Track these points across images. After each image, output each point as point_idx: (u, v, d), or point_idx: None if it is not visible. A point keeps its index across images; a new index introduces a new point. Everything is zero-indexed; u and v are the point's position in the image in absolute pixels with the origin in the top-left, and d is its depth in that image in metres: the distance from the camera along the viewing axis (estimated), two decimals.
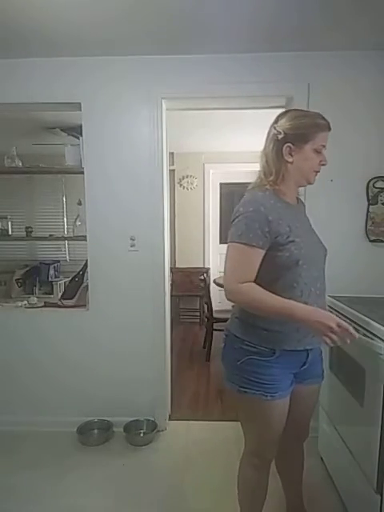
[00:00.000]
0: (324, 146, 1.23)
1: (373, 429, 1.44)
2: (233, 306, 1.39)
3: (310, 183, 1.29)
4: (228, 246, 1.22)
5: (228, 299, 1.22)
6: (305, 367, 1.33)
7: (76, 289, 2.52)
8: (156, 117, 2.24)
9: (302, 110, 1.29)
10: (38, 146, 3.76)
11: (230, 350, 1.35)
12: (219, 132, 3.82)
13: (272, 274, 1.20)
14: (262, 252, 1.18)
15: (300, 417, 1.44)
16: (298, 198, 1.39)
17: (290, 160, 1.22)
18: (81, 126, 2.31)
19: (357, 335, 1.12)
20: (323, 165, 1.25)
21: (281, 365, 1.27)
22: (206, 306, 4.17)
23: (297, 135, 1.20)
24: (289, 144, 1.21)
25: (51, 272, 3.66)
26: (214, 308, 3.82)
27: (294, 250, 1.18)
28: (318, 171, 1.27)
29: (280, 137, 1.22)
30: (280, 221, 1.19)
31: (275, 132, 1.23)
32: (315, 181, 1.31)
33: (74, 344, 2.41)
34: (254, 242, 1.16)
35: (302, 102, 2.14)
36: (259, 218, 1.17)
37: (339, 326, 1.09)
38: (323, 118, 1.23)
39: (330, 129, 1.24)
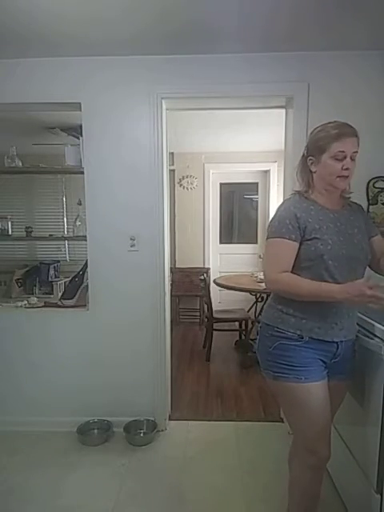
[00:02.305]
0: (344, 152, 1.30)
1: (373, 429, 1.44)
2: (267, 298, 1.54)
3: (337, 188, 1.37)
4: (266, 245, 1.41)
5: (269, 289, 1.42)
6: (336, 360, 1.39)
7: (76, 289, 2.52)
8: (156, 117, 2.24)
9: (323, 124, 1.39)
10: (38, 146, 3.76)
11: (262, 338, 1.44)
12: (219, 132, 3.82)
13: (300, 264, 1.34)
14: (295, 244, 1.33)
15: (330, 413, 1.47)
16: (349, 204, 1.48)
17: (314, 170, 1.40)
18: (81, 126, 2.31)
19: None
20: (346, 169, 1.32)
21: (311, 350, 1.35)
22: (205, 306, 4.18)
23: (315, 148, 1.38)
24: (310, 157, 1.40)
25: (51, 272, 3.64)
26: (214, 308, 3.82)
27: (320, 245, 1.31)
28: (345, 176, 1.33)
29: (305, 152, 1.43)
30: (309, 219, 1.34)
31: (304, 150, 1.45)
32: (348, 185, 1.43)
33: (74, 344, 2.41)
34: (286, 235, 1.33)
35: (302, 103, 2.14)
36: (289, 215, 1.35)
37: (370, 288, 1.17)
38: (339, 127, 1.33)
39: (351, 135, 1.32)
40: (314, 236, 1.32)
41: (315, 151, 1.37)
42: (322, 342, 1.36)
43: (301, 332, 1.36)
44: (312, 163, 1.40)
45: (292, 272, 1.34)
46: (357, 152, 1.34)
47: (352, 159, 1.33)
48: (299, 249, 1.34)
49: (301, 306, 1.35)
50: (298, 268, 1.35)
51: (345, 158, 1.31)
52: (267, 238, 1.40)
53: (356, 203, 1.51)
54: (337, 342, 1.37)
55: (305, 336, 1.35)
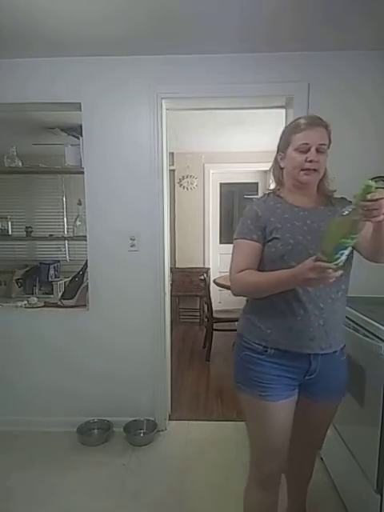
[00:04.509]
0: (307, 144, 1.22)
1: (373, 429, 1.44)
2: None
3: (302, 182, 1.28)
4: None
5: (232, 293, 1.30)
6: (311, 377, 1.27)
7: (76, 289, 2.52)
8: (156, 117, 2.24)
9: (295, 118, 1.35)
10: (38, 146, 3.76)
11: (235, 347, 1.39)
12: (219, 132, 3.82)
13: (264, 266, 1.27)
14: (257, 244, 1.26)
15: (314, 429, 1.42)
16: (331, 201, 1.36)
17: (283, 166, 1.33)
18: (81, 126, 2.31)
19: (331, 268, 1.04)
20: (310, 162, 1.23)
21: (276, 365, 1.25)
22: (205, 306, 4.17)
23: (282, 142, 1.32)
24: (280, 152, 1.34)
25: (51, 272, 3.65)
26: (214, 308, 3.82)
27: (280, 246, 1.23)
28: (310, 169, 1.24)
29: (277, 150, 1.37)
30: (272, 218, 1.27)
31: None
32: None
33: (74, 344, 2.41)
34: (247, 236, 1.27)
35: (302, 102, 2.14)
36: (251, 215, 1.30)
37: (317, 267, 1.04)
38: (306, 119, 1.27)
39: (317, 126, 1.24)
40: (274, 236, 1.24)
41: (283, 145, 1.31)
42: (289, 355, 1.24)
43: (266, 343, 1.26)
44: (281, 159, 1.33)
45: None
46: (325, 144, 1.24)
47: (320, 152, 1.24)
48: (263, 250, 1.27)
49: (266, 315, 1.28)
50: (263, 271, 1.27)
51: (309, 150, 1.23)
52: (233, 240, 1.34)
53: (342, 198, 1.38)
54: (308, 355, 1.25)
55: (269, 349, 1.25)
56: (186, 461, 2.14)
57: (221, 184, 5.16)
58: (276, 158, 1.36)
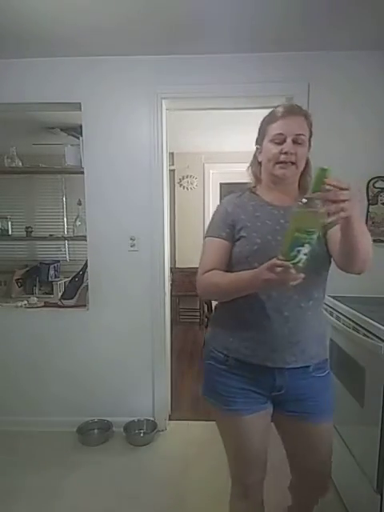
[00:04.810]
0: (282, 134, 1.11)
1: (373, 429, 1.44)
2: None
3: (277, 176, 1.16)
4: None
5: (198, 295, 1.24)
6: (279, 393, 1.15)
7: (76, 289, 2.52)
8: (156, 117, 2.24)
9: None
10: (38, 146, 3.75)
11: (203, 354, 1.31)
12: (219, 132, 3.82)
13: (232, 268, 1.17)
14: (225, 243, 1.18)
15: (304, 461, 1.26)
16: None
17: (260, 160, 1.24)
18: (81, 126, 2.31)
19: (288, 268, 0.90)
20: (285, 154, 1.11)
21: (237, 377, 1.16)
22: (205, 306, 4.17)
23: (259, 134, 1.23)
24: (257, 146, 1.25)
25: (51, 272, 3.65)
26: (214, 308, 3.81)
27: (246, 246, 1.14)
28: (285, 162, 1.12)
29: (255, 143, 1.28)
30: (242, 216, 1.18)
31: None
32: (285, 174, 1.15)
33: (74, 344, 2.41)
34: (215, 234, 1.19)
35: (303, 102, 2.13)
36: (220, 212, 1.23)
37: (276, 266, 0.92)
38: (282, 107, 1.15)
39: (293, 114, 1.13)
40: (241, 235, 1.15)
41: (260, 138, 1.22)
42: (251, 368, 1.14)
43: (227, 352, 1.17)
44: (259, 152, 1.23)
45: None
46: (303, 135, 1.12)
47: (297, 143, 1.12)
48: (232, 250, 1.17)
49: (229, 322, 1.19)
50: (231, 272, 1.16)
51: (285, 140, 1.11)
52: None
53: None
54: (272, 369, 1.13)
55: (230, 358, 1.16)
56: (186, 461, 2.14)
57: (221, 184, 5.15)
58: (255, 153, 1.27)
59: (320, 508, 1.51)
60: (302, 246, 0.87)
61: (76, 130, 3.06)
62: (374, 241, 2.20)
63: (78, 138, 2.49)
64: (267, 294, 1.11)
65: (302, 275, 0.90)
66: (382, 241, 2.21)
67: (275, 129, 1.13)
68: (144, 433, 2.38)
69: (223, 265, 1.16)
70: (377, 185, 2.19)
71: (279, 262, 0.89)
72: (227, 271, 1.16)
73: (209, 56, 2.16)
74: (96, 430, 2.40)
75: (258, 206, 1.20)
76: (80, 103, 2.25)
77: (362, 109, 2.15)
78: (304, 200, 0.88)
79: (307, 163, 1.21)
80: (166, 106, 2.30)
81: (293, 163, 1.13)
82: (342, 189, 0.87)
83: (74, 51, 2.15)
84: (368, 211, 2.20)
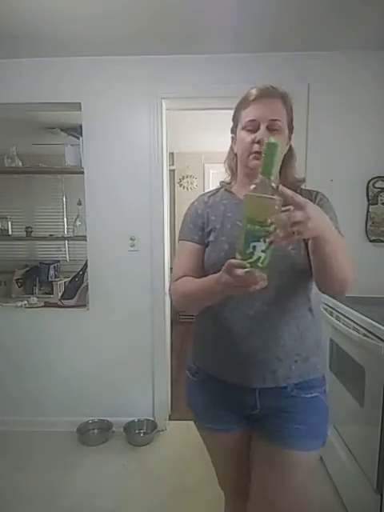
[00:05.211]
0: (254, 121, 0.96)
1: (373, 429, 1.44)
2: None
3: (250, 169, 1.00)
4: None
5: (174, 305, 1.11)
6: (252, 413, 1.02)
7: (76, 289, 2.52)
8: (156, 117, 2.24)
9: None
10: (38, 146, 3.75)
11: None
12: (219, 132, 3.81)
13: (203, 274, 1.01)
14: (197, 246, 1.05)
15: (261, 491, 1.03)
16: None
17: (235, 151, 1.08)
18: (81, 126, 2.31)
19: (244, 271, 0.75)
20: (259, 143, 0.95)
21: (208, 392, 1.08)
22: None
23: (233, 123, 1.08)
24: (232, 135, 1.10)
25: (51, 272, 3.64)
26: None
27: (212, 252, 1.01)
28: (260, 152, 0.91)
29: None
30: (212, 216, 1.05)
31: None
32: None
33: (74, 344, 2.41)
34: (187, 237, 1.07)
35: (302, 102, 2.14)
36: (191, 212, 1.11)
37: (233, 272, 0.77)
38: (254, 89, 0.99)
39: (266, 97, 0.97)
40: (209, 240, 1.03)
41: (234, 125, 1.07)
42: (219, 384, 1.03)
43: (198, 364, 1.09)
44: (234, 143, 1.08)
45: None
46: (278, 120, 0.96)
47: (273, 129, 0.95)
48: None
49: (200, 331, 1.11)
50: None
51: (258, 128, 0.95)
52: None
53: (314, 192, 1.06)
54: (242, 387, 1.00)
55: (200, 371, 1.08)
56: (186, 461, 2.14)
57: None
58: (231, 144, 1.12)
59: (320, 508, 1.51)
60: (258, 240, 0.71)
61: (76, 130, 3.06)
62: (374, 241, 2.21)
63: (78, 138, 2.49)
64: (232, 304, 0.97)
65: (265, 277, 0.74)
66: (381, 241, 2.21)
67: (248, 114, 0.98)
68: (144, 433, 2.38)
69: (197, 271, 1.02)
70: (377, 185, 2.19)
71: (235, 261, 0.75)
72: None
73: (209, 56, 2.16)
74: (96, 430, 2.40)
75: (231, 205, 1.06)
76: (80, 103, 2.25)
77: (361, 109, 2.15)
78: (253, 185, 0.73)
79: (290, 154, 1.05)
80: (166, 105, 2.30)
81: None
82: (296, 207, 0.73)
83: (74, 51, 2.15)
84: (368, 211, 2.20)
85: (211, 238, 1.03)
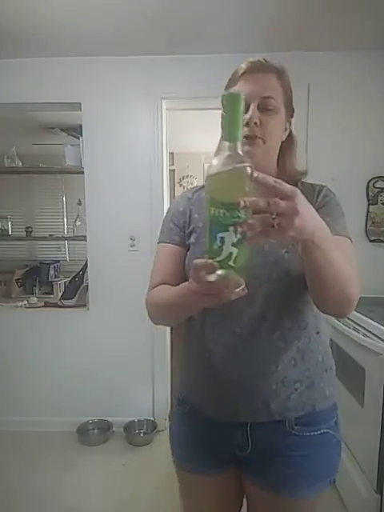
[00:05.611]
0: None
1: (373, 429, 1.44)
2: None
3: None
4: None
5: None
6: (243, 454, 0.84)
7: (76, 289, 2.52)
8: (156, 117, 2.24)
9: None
10: (38, 146, 3.75)
11: None
12: (219, 132, 3.81)
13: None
14: (177, 248, 0.89)
15: None
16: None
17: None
18: (81, 126, 2.31)
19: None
20: (247, 126, 0.77)
21: (192, 426, 0.91)
22: None
23: (222, 105, 0.87)
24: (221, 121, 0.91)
25: (51, 272, 3.64)
26: None
27: (192, 255, 0.85)
28: (250, 136, 0.78)
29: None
30: (196, 214, 0.89)
31: None
32: (250, 153, 0.76)
33: (74, 344, 2.41)
34: (167, 239, 0.91)
35: (302, 102, 2.14)
36: (172, 210, 0.95)
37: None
38: (245, 63, 0.84)
39: (256, 71, 0.81)
40: (190, 241, 0.88)
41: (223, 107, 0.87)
42: (205, 418, 0.87)
43: (184, 394, 0.93)
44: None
45: None
46: (271, 97, 0.79)
47: (266, 109, 0.79)
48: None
49: (183, 357, 0.94)
50: None
51: (248, 108, 0.78)
52: None
53: (318, 186, 0.93)
54: (229, 422, 0.83)
55: (186, 402, 0.92)
56: None
57: None
58: (221, 133, 0.89)
59: (320, 508, 1.51)
60: (226, 230, 0.53)
61: (76, 130, 3.06)
62: (374, 241, 2.21)
63: (78, 138, 2.49)
64: (214, 319, 0.82)
65: (242, 281, 0.57)
66: (381, 241, 2.21)
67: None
68: (144, 433, 2.38)
69: (178, 277, 0.84)
70: (377, 185, 2.19)
71: (200, 261, 0.56)
72: None
73: (209, 56, 2.16)
74: (96, 430, 2.40)
75: None
76: (80, 103, 2.25)
77: (361, 109, 2.15)
78: (215, 160, 0.56)
79: (290, 141, 0.89)
80: (166, 105, 2.30)
81: (259, 138, 0.78)
82: (278, 194, 0.54)
83: (74, 51, 2.15)
84: (368, 211, 2.20)
85: (192, 240, 0.87)
